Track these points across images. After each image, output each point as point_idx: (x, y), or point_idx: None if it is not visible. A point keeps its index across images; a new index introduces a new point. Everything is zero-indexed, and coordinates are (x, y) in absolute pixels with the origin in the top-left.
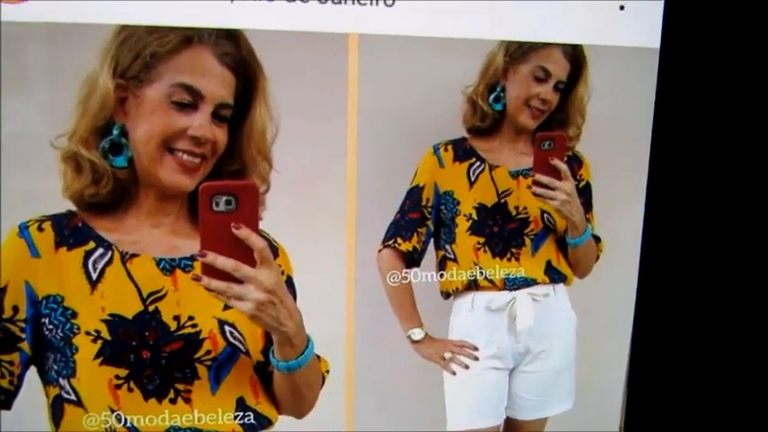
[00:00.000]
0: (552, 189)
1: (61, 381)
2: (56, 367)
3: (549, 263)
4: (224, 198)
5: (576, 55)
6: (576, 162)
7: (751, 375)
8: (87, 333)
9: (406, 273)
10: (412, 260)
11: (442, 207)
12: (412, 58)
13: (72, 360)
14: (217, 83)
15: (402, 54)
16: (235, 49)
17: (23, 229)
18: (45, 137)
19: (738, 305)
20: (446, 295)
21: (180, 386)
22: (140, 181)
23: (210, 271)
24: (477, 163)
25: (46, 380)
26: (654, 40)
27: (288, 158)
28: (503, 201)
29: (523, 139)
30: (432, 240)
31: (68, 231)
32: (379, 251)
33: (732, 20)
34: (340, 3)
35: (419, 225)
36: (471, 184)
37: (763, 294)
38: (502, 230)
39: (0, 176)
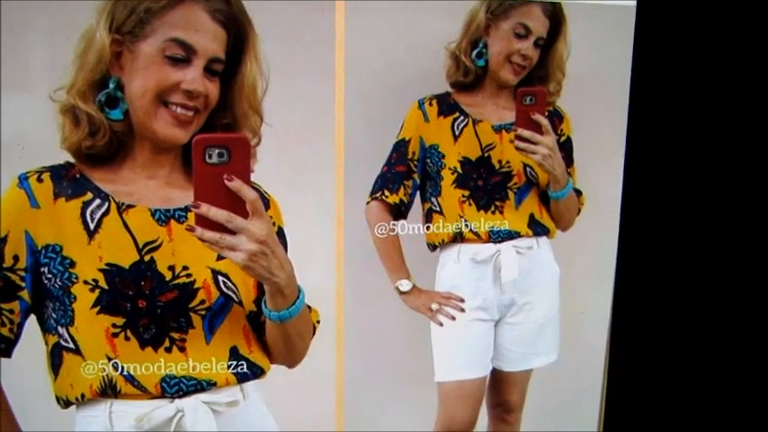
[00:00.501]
0: (534, 143)
1: (60, 329)
2: (54, 316)
3: (532, 216)
4: (216, 150)
5: (555, 12)
6: (556, 117)
7: (735, 325)
8: (85, 282)
9: (394, 225)
10: (399, 212)
11: (428, 160)
12: (397, 14)
13: (70, 309)
14: (209, 38)
15: (387, 11)
16: (226, 6)
17: (23, 180)
18: (44, 91)
19: (720, 253)
20: (432, 247)
21: (175, 335)
22: (136, 133)
23: (204, 222)
24: (461, 117)
25: (45, 328)
26: None
27: (278, 113)
28: (486, 155)
29: (505, 94)
30: (418, 193)
31: (66, 182)
32: (367, 203)
33: None
34: None
35: (405, 178)
36: (456, 137)
37: (742, 241)
38: (486, 184)
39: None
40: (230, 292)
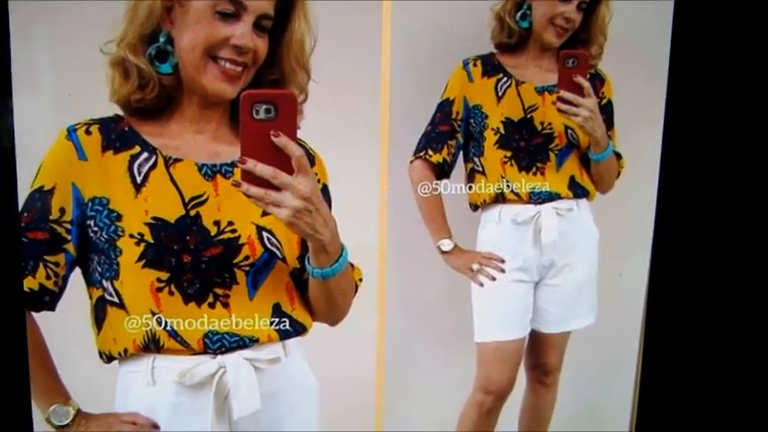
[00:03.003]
0: (576, 105)
1: (104, 283)
2: (99, 269)
3: (572, 178)
4: (264, 106)
5: None
6: (598, 80)
7: None
8: (131, 236)
9: (437, 184)
10: (442, 172)
11: (471, 120)
12: None
13: (116, 262)
14: None
15: None
16: None
17: (71, 132)
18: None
19: (761, 218)
20: (474, 207)
21: (219, 290)
22: (184, 88)
23: (250, 177)
24: (505, 78)
25: (89, 282)
26: None
27: (325, 69)
28: (529, 116)
29: (548, 56)
30: (461, 153)
31: (115, 135)
32: (411, 162)
33: None
34: None
35: (449, 137)
36: (499, 98)
37: None
38: (528, 145)
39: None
40: (274, 249)
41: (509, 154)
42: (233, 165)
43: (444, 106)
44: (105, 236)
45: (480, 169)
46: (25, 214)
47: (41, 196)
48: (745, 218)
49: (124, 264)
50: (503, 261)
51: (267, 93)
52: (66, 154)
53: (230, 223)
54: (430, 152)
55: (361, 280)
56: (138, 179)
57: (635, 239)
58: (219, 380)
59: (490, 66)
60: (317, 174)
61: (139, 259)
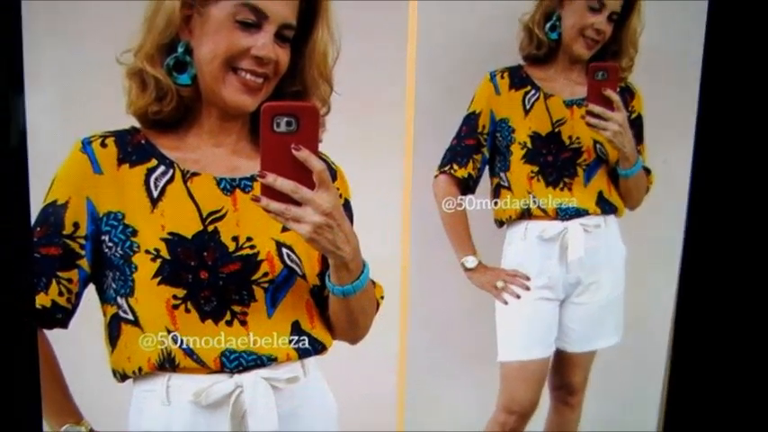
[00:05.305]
0: (605, 119)
1: (119, 300)
2: (114, 286)
3: (600, 194)
4: (285, 119)
5: None
6: (628, 93)
7: None
8: (147, 252)
9: (461, 199)
10: (467, 187)
11: (498, 134)
12: None
13: (131, 279)
14: (281, 3)
15: None
16: None
17: (86, 145)
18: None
19: None
20: (500, 223)
21: (236, 308)
22: (203, 100)
23: (270, 192)
24: (533, 91)
25: (104, 299)
26: None
27: (348, 81)
28: (557, 130)
29: (577, 68)
30: (487, 168)
31: (131, 148)
32: (435, 177)
33: None
34: None
35: (475, 152)
36: (526, 112)
37: None
38: (555, 159)
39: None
40: (294, 265)
41: (536, 169)
42: (252, 179)
43: (470, 119)
44: (120, 251)
45: (506, 184)
46: (38, 229)
47: (54, 210)
48: None
49: (139, 280)
50: (528, 279)
51: (288, 105)
52: (81, 167)
53: (249, 239)
54: (455, 167)
55: (382, 297)
56: (155, 193)
57: (663, 257)
58: (236, 399)
59: (518, 78)
60: (338, 188)
61: (155, 276)
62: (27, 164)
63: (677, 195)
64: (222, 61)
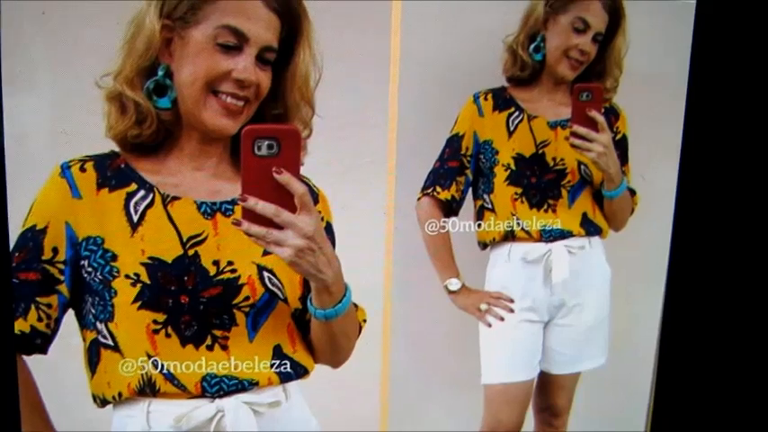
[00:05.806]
0: (590, 141)
1: (99, 325)
2: (93, 311)
3: (585, 215)
4: (266, 142)
5: (615, 7)
6: (613, 114)
7: None
8: (126, 276)
9: (444, 222)
10: (450, 209)
11: (481, 156)
12: (454, 5)
13: (110, 304)
14: (262, 26)
15: (444, 1)
16: None
17: (65, 169)
18: (89, 78)
19: None
20: (483, 246)
21: (217, 332)
22: (183, 123)
23: (251, 215)
24: (516, 113)
25: (83, 324)
26: None
27: (329, 104)
28: (540, 151)
29: (562, 89)
30: (470, 190)
31: (111, 172)
32: (418, 199)
33: None
34: None
35: (458, 174)
36: (510, 133)
37: None
38: (539, 181)
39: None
40: (275, 289)
41: (520, 191)
42: (233, 202)
43: (454, 141)
44: (100, 276)
45: (490, 206)
46: (17, 254)
47: (33, 236)
48: (764, 258)
49: (119, 305)
50: (512, 301)
51: (269, 128)
52: (60, 192)
53: (230, 263)
54: (438, 189)
55: (365, 321)
56: (135, 218)
57: (648, 279)
58: (218, 424)
59: (501, 100)
60: (320, 212)
61: (135, 300)
62: (6, 188)
63: (663, 215)
64: (203, 84)
